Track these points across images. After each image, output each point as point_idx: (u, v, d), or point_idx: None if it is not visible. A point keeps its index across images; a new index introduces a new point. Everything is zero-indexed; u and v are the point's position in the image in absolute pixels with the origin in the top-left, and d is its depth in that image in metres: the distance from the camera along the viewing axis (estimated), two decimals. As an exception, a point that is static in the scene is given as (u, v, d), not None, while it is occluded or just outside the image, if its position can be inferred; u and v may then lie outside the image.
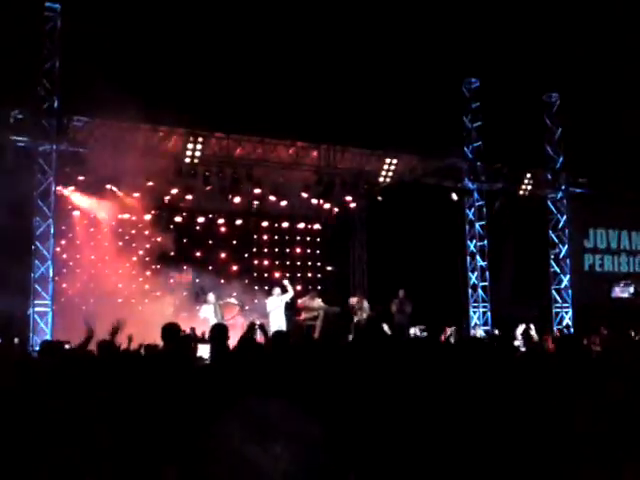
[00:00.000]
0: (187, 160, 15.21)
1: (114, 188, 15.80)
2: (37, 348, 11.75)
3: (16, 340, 12.41)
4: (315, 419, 1.41)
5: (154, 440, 4.36)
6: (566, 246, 19.42)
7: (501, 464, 3.53)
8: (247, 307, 15.30)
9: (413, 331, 14.72)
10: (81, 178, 14.92)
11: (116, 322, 7.61)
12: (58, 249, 14.98)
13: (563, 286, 19.33)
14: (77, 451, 3.80)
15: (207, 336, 10.13)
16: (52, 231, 14.05)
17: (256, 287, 17.59)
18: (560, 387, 4.49)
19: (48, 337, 13.04)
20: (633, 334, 12.01)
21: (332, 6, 15.23)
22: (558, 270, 19.42)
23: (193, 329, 11.42)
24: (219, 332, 8.07)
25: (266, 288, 17.17)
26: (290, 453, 1.32)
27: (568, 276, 19.33)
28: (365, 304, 15.30)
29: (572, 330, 18.13)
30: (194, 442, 1.43)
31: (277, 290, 15.41)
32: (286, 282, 15.58)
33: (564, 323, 18.96)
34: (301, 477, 1.31)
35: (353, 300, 15.29)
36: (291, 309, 15.78)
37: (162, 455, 4.01)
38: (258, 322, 11.23)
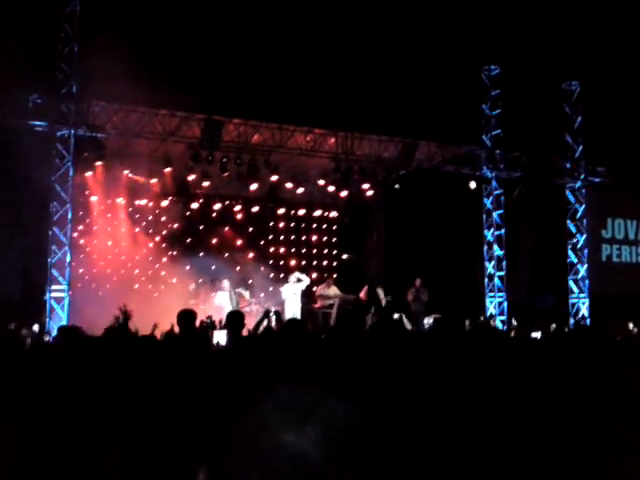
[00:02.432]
0: (204, 146, 15.19)
1: (131, 174, 15.85)
2: (54, 333, 11.87)
3: (35, 327, 12.45)
4: (346, 401, 1.39)
5: (179, 431, 4.34)
6: (584, 236, 19.27)
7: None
8: (254, 301, 15.24)
9: (428, 320, 14.69)
10: (99, 163, 14.94)
11: (122, 309, 7.51)
12: (75, 234, 15.02)
13: (580, 276, 19.19)
14: (97, 441, 3.79)
15: (223, 323, 10.17)
16: (70, 216, 14.08)
17: (272, 274, 17.60)
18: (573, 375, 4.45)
19: (64, 322, 13.12)
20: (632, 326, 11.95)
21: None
22: (575, 260, 19.29)
23: (210, 317, 11.45)
24: (235, 319, 8.10)
25: (282, 275, 17.19)
26: (324, 435, 1.30)
27: (585, 266, 19.18)
28: (380, 294, 15.26)
29: (588, 321, 18.04)
30: (224, 432, 1.41)
31: (293, 277, 15.42)
32: (298, 274, 15.58)
33: (580, 314, 18.84)
34: (335, 459, 1.29)
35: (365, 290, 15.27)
36: (307, 297, 15.80)
37: (189, 447, 4.00)
38: (273, 309, 11.27)
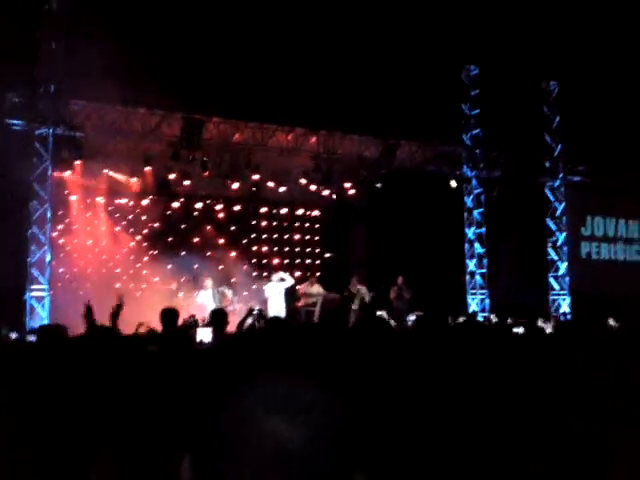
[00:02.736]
0: (184, 145, 15.13)
1: (111, 172, 15.74)
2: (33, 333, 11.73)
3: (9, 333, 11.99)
4: (329, 393, 1.40)
5: (163, 425, 4.31)
6: (564, 234, 19.44)
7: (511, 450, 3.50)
8: (236, 300, 15.17)
9: (410, 317, 14.73)
10: (78, 162, 14.81)
11: (118, 299, 7.51)
12: (55, 234, 14.89)
13: (560, 273, 19.35)
14: (85, 441, 3.74)
15: (206, 321, 10.13)
16: (49, 215, 13.95)
17: (255, 273, 17.55)
18: (563, 370, 4.47)
19: (45, 322, 12.99)
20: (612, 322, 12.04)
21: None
22: (556, 257, 19.45)
23: (192, 315, 11.40)
24: (219, 317, 8.08)
25: (265, 274, 17.14)
26: (310, 423, 1.31)
27: (565, 263, 19.35)
28: (363, 291, 15.29)
29: (569, 317, 18.19)
30: (209, 422, 1.40)
31: (276, 276, 15.40)
32: (282, 274, 15.58)
33: (561, 310, 19.00)
34: (321, 447, 1.30)
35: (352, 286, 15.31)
36: (290, 295, 15.78)
37: (174, 440, 3.96)
38: (257, 308, 11.24)
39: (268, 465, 1.25)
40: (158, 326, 7.57)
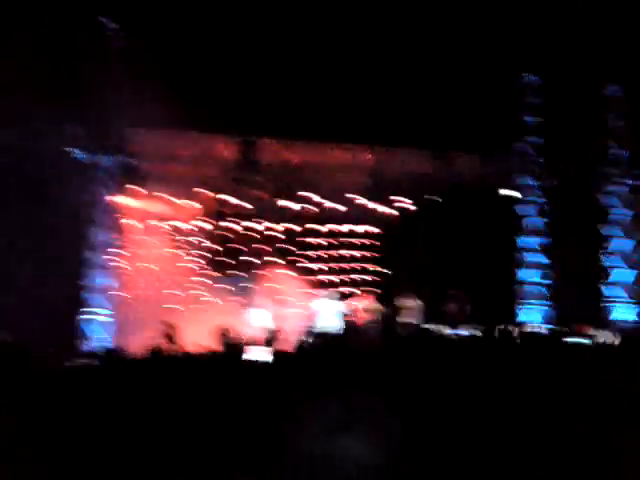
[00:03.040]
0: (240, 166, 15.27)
1: (168, 196, 15.95)
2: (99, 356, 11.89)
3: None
4: (388, 413, 1.32)
5: (224, 445, 4.25)
6: (630, 241, 18.90)
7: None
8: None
9: (469, 331, 14.45)
10: (135, 188, 15.07)
11: (167, 328, 7.56)
12: (115, 258, 15.14)
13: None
14: (148, 461, 3.71)
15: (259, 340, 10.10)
16: (109, 240, 14.22)
17: (312, 291, 17.49)
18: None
19: (109, 345, 13.22)
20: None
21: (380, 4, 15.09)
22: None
23: (248, 335, 11.40)
24: (273, 336, 8.06)
25: (323, 292, 17.06)
26: (378, 440, 1.23)
27: (635, 272, 18.77)
28: (418, 305, 15.09)
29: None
30: (269, 442, 1.33)
31: (330, 294, 15.34)
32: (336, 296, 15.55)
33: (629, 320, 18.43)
34: (391, 462, 1.22)
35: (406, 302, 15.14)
36: (349, 312, 15.68)
37: (237, 461, 3.89)
38: (315, 327, 11.19)
39: None
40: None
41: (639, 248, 19.01)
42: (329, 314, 14.94)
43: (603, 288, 18.60)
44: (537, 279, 17.88)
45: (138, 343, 7.66)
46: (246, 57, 14.42)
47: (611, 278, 18.82)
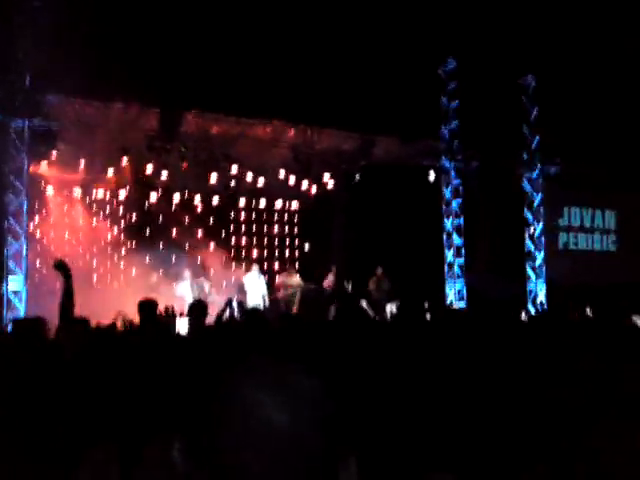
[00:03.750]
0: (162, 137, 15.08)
1: (88, 165, 15.64)
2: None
3: None
4: (315, 376, 1.42)
5: (150, 412, 4.31)
6: (541, 224, 19.62)
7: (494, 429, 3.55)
8: (214, 291, 15.15)
9: (390, 307, 14.80)
10: (54, 154, 14.71)
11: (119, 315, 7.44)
12: (31, 226, 14.79)
13: (537, 264, 19.53)
14: (77, 432, 3.73)
15: (185, 313, 10.09)
16: (25, 208, 13.85)
17: (233, 265, 17.54)
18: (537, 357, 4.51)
19: (21, 314, 12.94)
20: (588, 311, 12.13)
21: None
22: (533, 248, 19.63)
23: (171, 306, 11.35)
24: (198, 308, 8.06)
25: (243, 266, 17.14)
26: (297, 405, 1.33)
27: (542, 253, 19.54)
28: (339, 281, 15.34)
29: (546, 307, 18.38)
30: (197, 405, 1.42)
31: (255, 268, 15.41)
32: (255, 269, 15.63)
33: (538, 300, 19.20)
34: (309, 428, 1.32)
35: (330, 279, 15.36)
36: (269, 286, 15.82)
37: (162, 425, 3.96)
38: (235, 299, 11.23)
39: (258, 444, 1.26)
40: (136, 318, 7.55)
41: (548, 231, 19.80)
42: (252, 289, 15.04)
43: (518, 269, 19.33)
44: (454, 259, 18.41)
45: (55, 314, 7.53)
46: (171, 27, 14.18)
47: (526, 260, 19.58)
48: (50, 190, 15.72)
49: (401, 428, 3.92)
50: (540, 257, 19.54)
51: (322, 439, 1.38)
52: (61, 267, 6.98)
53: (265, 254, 19.21)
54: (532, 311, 17.20)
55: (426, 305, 11.95)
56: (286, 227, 19.87)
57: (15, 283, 13.61)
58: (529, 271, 19.58)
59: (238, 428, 1.35)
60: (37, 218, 15.58)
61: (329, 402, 1.43)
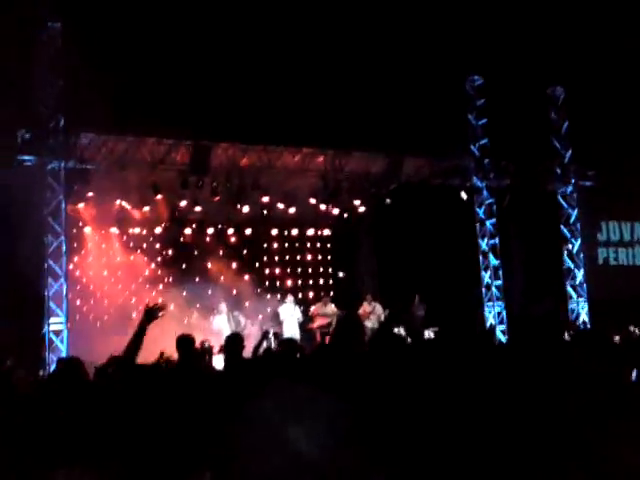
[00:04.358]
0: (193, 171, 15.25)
1: (123, 203, 15.87)
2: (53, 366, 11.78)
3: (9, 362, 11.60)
4: (341, 402, 1.42)
5: (181, 448, 4.32)
6: (579, 240, 19.28)
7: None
8: (249, 322, 15.13)
9: (427, 333, 14.68)
10: (90, 194, 14.98)
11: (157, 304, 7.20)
12: (71, 266, 15.01)
13: (578, 281, 19.17)
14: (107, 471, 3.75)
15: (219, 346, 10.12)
16: (64, 248, 14.08)
17: (268, 296, 17.56)
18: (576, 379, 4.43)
19: (63, 354, 13.07)
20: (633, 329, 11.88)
21: (333, 8, 15.20)
22: (572, 265, 19.26)
23: (206, 340, 11.39)
24: (233, 341, 8.06)
25: (279, 297, 17.15)
26: (327, 431, 1.34)
27: (582, 270, 19.17)
28: (378, 309, 15.24)
29: (589, 325, 18.01)
30: (227, 438, 1.43)
31: (290, 298, 15.39)
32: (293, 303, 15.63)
33: (580, 319, 18.80)
34: (339, 454, 1.32)
35: (365, 306, 15.29)
36: (305, 316, 15.78)
37: (192, 461, 3.98)
38: (272, 330, 11.24)
39: (289, 473, 1.27)
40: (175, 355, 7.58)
41: (587, 247, 19.43)
42: (288, 319, 15.02)
43: (558, 287, 18.98)
44: (491, 281, 18.18)
45: (96, 352, 7.61)
46: (199, 62, 14.40)
47: (566, 277, 19.22)
48: (87, 229, 15.96)
49: (434, 454, 3.86)
50: (580, 274, 19.18)
51: (351, 464, 1.38)
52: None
53: (299, 283, 19.22)
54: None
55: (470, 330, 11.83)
56: (319, 255, 19.87)
57: (56, 324, 13.78)
58: (569, 289, 19.22)
59: (266, 457, 1.36)
60: (76, 257, 15.80)
61: (358, 429, 1.43)
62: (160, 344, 9.54)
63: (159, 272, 17.16)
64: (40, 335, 13.69)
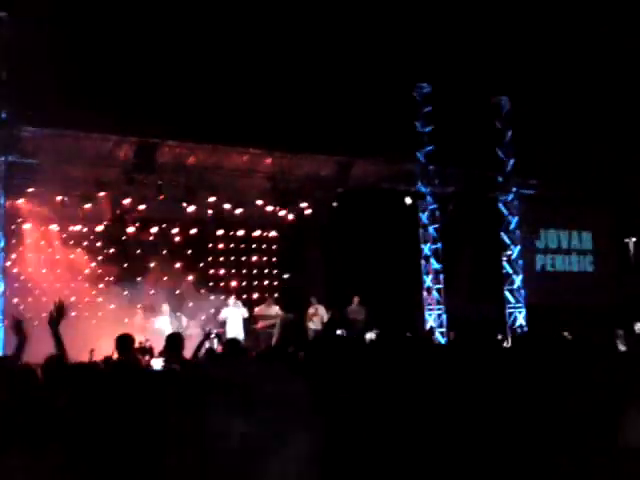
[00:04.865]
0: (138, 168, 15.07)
1: (65, 199, 15.58)
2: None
3: None
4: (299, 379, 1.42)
5: (125, 447, 4.28)
6: (518, 247, 19.70)
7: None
8: (192, 324, 15.03)
9: (369, 336, 14.79)
10: (31, 189, 14.67)
11: (57, 303, 7.12)
12: (9, 263, 14.67)
13: (516, 287, 19.59)
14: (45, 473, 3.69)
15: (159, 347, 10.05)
16: (2, 244, 13.76)
17: (212, 297, 17.45)
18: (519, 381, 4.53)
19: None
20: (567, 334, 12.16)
21: (283, 13, 15.23)
22: (510, 271, 19.69)
23: (147, 340, 11.30)
24: (175, 341, 8.02)
25: (222, 297, 17.05)
26: (273, 415, 1.34)
27: (521, 276, 19.60)
28: (322, 310, 15.32)
29: (526, 329, 18.42)
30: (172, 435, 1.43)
31: (233, 299, 15.34)
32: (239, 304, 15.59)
33: (517, 323, 19.22)
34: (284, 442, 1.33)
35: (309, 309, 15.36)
36: (248, 318, 15.74)
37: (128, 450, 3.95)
38: (215, 331, 11.21)
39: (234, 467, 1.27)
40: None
41: (526, 254, 19.88)
42: (231, 320, 14.96)
43: (496, 293, 19.35)
44: (432, 284, 18.43)
45: (34, 351, 7.47)
46: (146, 58, 14.25)
47: (505, 283, 19.62)
48: (27, 225, 15.62)
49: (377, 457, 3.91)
50: (518, 280, 19.61)
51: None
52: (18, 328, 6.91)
53: (244, 284, 19.15)
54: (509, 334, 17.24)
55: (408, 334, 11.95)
56: (265, 257, 19.85)
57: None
58: (507, 294, 19.63)
59: (207, 453, 1.36)
60: (14, 254, 15.44)
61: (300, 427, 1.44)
62: (101, 343, 9.45)
63: (100, 270, 16.86)
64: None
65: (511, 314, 19.49)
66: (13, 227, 15.09)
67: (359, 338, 14.33)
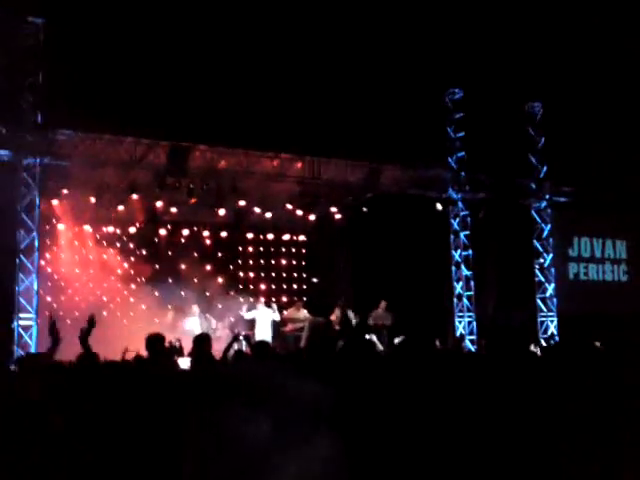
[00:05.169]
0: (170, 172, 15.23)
1: (99, 201, 15.80)
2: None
3: None
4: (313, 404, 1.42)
5: (148, 445, 4.33)
6: (550, 255, 19.49)
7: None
8: (221, 325, 15.12)
9: (397, 342, 14.73)
10: (65, 191, 14.90)
11: (88, 319, 7.42)
12: (43, 262, 14.92)
13: (548, 295, 19.38)
14: (71, 467, 3.75)
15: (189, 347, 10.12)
16: (36, 244, 14.00)
17: (241, 299, 17.54)
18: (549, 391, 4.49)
19: (32, 350, 12.99)
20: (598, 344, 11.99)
21: (315, 18, 15.29)
22: (543, 279, 19.48)
23: (178, 340, 11.38)
24: (200, 341, 8.07)
25: (251, 300, 17.14)
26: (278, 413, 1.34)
27: (553, 285, 19.39)
28: (351, 314, 15.26)
29: (557, 339, 18.21)
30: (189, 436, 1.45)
31: (262, 302, 15.40)
32: (274, 307, 15.67)
33: (549, 332, 19.01)
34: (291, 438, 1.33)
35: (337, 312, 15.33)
36: (278, 321, 15.80)
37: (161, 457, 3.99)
38: (243, 333, 11.27)
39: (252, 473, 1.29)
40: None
41: (558, 262, 19.65)
42: (260, 322, 15.02)
43: (528, 301, 19.15)
44: (463, 291, 18.33)
45: (66, 349, 7.57)
46: (180, 63, 14.40)
47: (536, 291, 19.42)
48: (61, 226, 15.87)
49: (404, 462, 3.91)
50: (550, 288, 19.40)
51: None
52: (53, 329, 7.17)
53: (273, 288, 19.24)
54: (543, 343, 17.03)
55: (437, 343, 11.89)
56: (293, 260, 19.91)
57: (26, 319, 13.69)
58: (539, 303, 19.43)
59: (229, 457, 1.37)
60: (48, 254, 15.70)
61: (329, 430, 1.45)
62: (133, 343, 9.53)
63: (132, 271, 17.09)
64: (9, 330, 13.59)
65: (543, 323, 19.29)
66: (47, 227, 15.34)
67: (389, 343, 14.32)
